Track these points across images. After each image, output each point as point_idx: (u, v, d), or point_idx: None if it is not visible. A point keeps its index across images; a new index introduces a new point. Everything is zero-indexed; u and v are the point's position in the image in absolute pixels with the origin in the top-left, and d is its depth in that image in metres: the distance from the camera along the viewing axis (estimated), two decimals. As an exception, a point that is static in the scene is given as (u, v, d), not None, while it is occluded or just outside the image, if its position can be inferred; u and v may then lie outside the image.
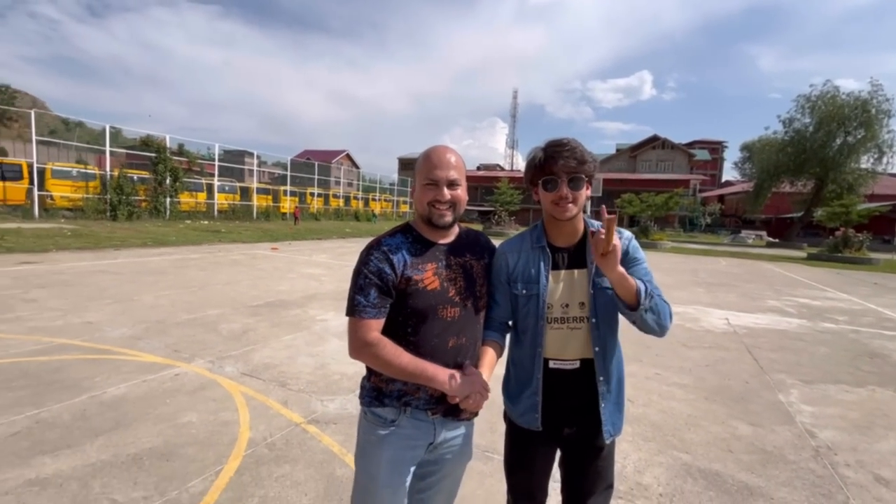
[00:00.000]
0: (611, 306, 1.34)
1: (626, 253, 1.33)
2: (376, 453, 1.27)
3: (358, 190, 44.34)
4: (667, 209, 27.57)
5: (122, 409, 2.95)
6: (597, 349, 1.34)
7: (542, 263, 1.37)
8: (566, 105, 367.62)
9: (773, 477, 2.56)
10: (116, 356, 3.94)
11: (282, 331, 4.98)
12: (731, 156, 78.27)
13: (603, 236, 1.14)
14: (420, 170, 1.29)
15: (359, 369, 3.81)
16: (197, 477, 2.28)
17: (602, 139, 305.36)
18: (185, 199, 23.47)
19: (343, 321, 5.45)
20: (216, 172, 26.38)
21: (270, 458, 2.49)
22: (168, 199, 21.65)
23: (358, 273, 1.25)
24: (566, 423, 1.39)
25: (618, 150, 63.81)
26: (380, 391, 1.29)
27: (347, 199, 39.56)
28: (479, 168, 73.22)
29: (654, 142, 57.57)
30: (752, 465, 2.68)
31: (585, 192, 1.31)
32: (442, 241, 1.34)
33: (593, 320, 1.33)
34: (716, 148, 77.01)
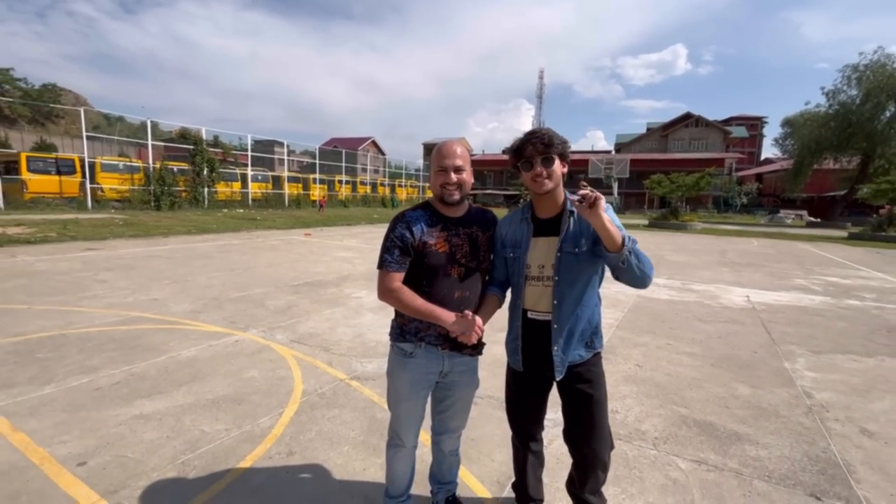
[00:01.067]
0: (572, 268, 1.59)
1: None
2: (400, 375, 1.72)
3: (384, 176, 45.02)
4: (698, 189, 26.75)
5: (196, 367, 3.51)
6: (555, 302, 1.61)
7: (525, 232, 1.68)
8: (595, 83, 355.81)
9: (762, 427, 2.85)
10: (183, 326, 4.54)
11: (321, 306, 5.51)
12: (772, 132, 74.37)
13: (577, 198, 1.41)
14: (434, 160, 1.64)
15: None
16: (265, 416, 2.79)
17: (633, 118, 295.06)
18: (222, 189, 24.63)
19: (375, 298, 5.95)
20: (249, 162, 27.46)
21: (322, 404, 2.97)
22: (206, 189, 22.80)
23: (387, 238, 1.64)
24: (545, 367, 1.67)
25: (648, 130, 61.87)
26: (402, 328, 1.71)
27: (374, 186, 40.28)
28: (504, 152, 72.51)
29: (687, 119, 55.44)
30: (745, 418, 2.98)
31: (559, 169, 1.57)
32: (453, 216, 1.69)
33: (556, 278, 1.60)
34: (755, 124, 73.31)
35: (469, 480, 2.24)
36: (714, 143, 53.61)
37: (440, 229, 1.64)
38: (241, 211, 22.48)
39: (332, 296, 6.09)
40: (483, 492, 2.17)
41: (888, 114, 28.06)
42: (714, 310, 6.00)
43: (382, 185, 41.82)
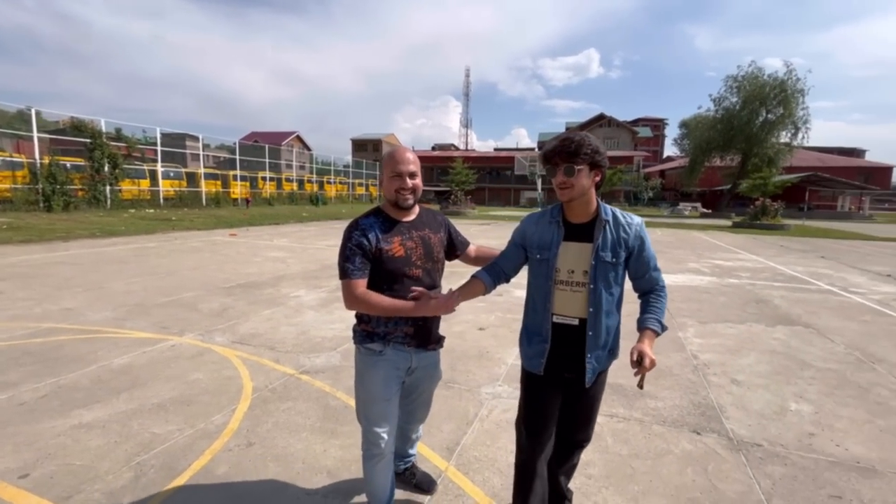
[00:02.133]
0: (608, 276, 1.58)
1: (636, 238, 1.61)
2: (373, 373, 1.73)
3: (311, 173, 43.44)
4: (611, 185, 29.36)
5: (134, 374, 3.41)
6: (591, 310, 1.58)
7: (555, 235, 1.62)
8: (518, 83, 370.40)
9: (660, 385, 3.45)
10: (109, 335, 4.29)
11: (260, 307, 5.44)
12: (672, 132, 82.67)
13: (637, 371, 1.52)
14: (387, 166, 1.68)
15: (336, 333, 4.49)
16: (217, 413, 2.83)
17: (554, 117, 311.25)
18: (127, 187, 22.40)
19: (315, 296, 6.00)
20: (159, 158, 25.18)
21: (275, 398, 3.07)
22: (108, 188, 20.60)
23: (344, 247, 1.65)
24: (566, 369, 1.65)
25: (567, 129, 65.89)
26: (369, 333, 1.74)
27: (301, 183, 38.80)
28: (433, 148, 73.32)
29: (600, 120, 60.05)
30: (648, 379, 3.56)
31: (585, 179, 1.54)
32: (405, 220, 1.74)
33: (591, 286, 1.57)
34: (657, 125, 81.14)
35: (422, 450, 2.51)
36: (624, 142, 58.61)
37: (394, 234, 1.69)
38: (152, 211, 20.63)
39: (270, 296, 6.02)
40: (436, 458, 2.45)
41: (761, 119, 32.67)
42: (626, 292, 6.80)
43: (310, 181, 40.40)
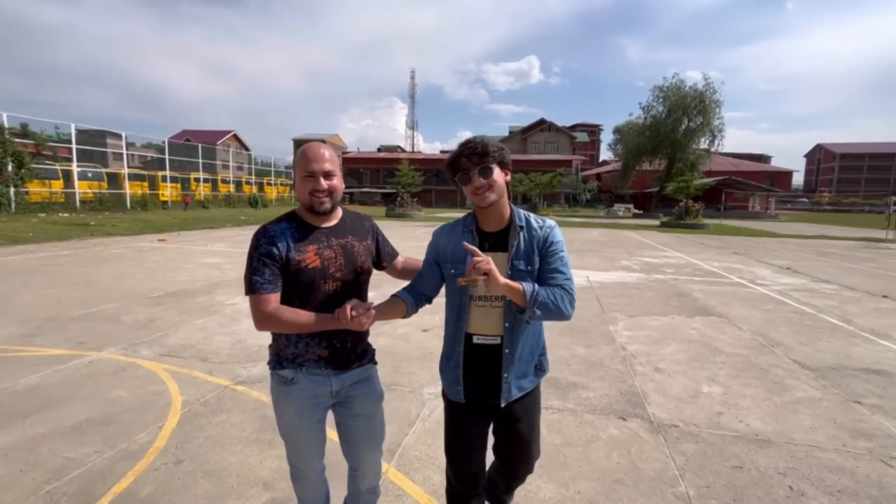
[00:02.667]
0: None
1: (544, 240, 1.46)
2: (285, 405, 1.53)
3: (250, 174, 41.45)
4: (552, 187, 30.65)
5: (43, 394, 3.10)
6: (507, 325, 1.46)
7: None
8: (462, 87, 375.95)
9: (592, 376, 3.68)
10: (13, 353, 3.88)
11: (192, 316, 5.14)
12: (606, 137, 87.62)
13: (472, 271, 1.29)
14: (299, 165, 1.46)
15: None
16: (142, 431, 2.66)
17: (497, 121, 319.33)
18: (36, 189, 20.22)
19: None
20: (74, 157, 22.91)
21: (207, 412, 2.93)
22: (12, 190, 18.45)
23: (251, 257, 1.43)
24: (490, 395, 1.50)
25: (510, 133, 67.84)
26: (279, 355, 1.52)
27: (239, 185, 36.94)
28: (379, 150, 72.55)
29: (541, 125, 62.37)
30: (580, 371, 3.79)
31: (500, 178, 1.44)
32: (324, 225, 1.52)
33: (506, 299, 1.43)
34: (594, 130, 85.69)
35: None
36: (564, 147, 61.27)
37: (309, 242, 1.48)
38: (67, 215, 18.74)
39: (203, 304, 5.70)
40: None
41: (684, 126, 35.53)
42: (563, 290, 7.15)
43: (248, 183, 38.55)
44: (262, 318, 1.42)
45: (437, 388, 3.38)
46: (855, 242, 17.15)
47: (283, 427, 1.58)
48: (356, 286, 1.58)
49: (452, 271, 1.50)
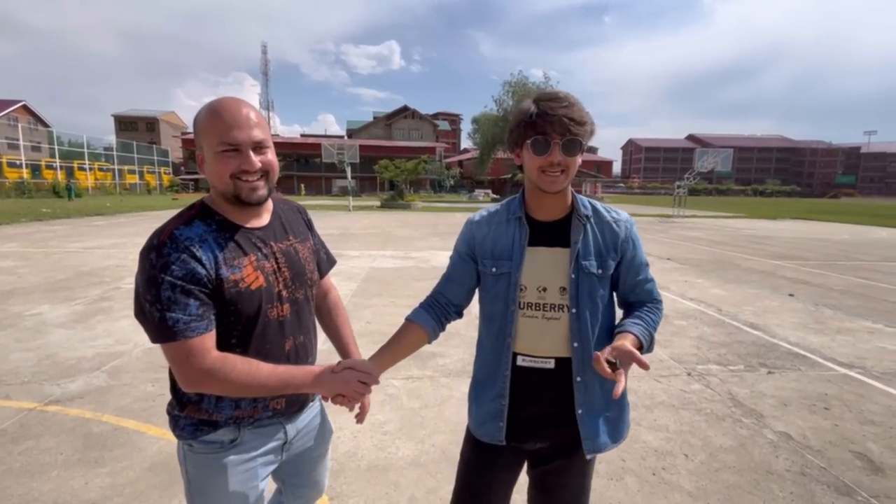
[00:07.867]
0: (595, 294, 1.11)
1: (626, 240, 1.14)
2: (219, 484, 1.04)
3: (53, 156, 33.51)
4: (416, 174, 31.45)
5: None
6: (575, 345, 1.10)
7: (516, 237, 1.14)
8: (322, 67, 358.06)
9: (450, 345, 4.03)
10: None
11: (-28, 334, 4.08)
12: (466, 127, 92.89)
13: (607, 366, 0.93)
14: (208, 132, 0.96)
15: (100, 350, 3.81)
16: None
17: (361, 105, 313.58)
18: None
19: (67, 310, 4.86)
20: None
21: (5, 442, 2.43)
22: None
23: (158, 284, 0.89)
24: (535, 437, 1.17)
25: (375, 118, 67.13)
26: (201, 420, 1.03)
27: (37, 169, 29.65)
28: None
29: (405, 112, 63.04)
30: (441, 342, 4.08)
31: (578, 161, 1.06)
32: (255, 225, 1.07)
33: (574, 310, 1.10)
34: (454, 119, 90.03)
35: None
36: (427, 134, 63.06)
37: (242, 251, 1.01)
38: None
39: (-11, 318, 4.55)
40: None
41: (529, 119, 39.63)
42: (426, 270, 7.54)
43: (51, 167, 31.13)
44: (195, 377, 0.93)
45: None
46: (653, 218, 21.49)
47: None
48: (307, 307, 1.17)
49: (493, 270, 1.15)
